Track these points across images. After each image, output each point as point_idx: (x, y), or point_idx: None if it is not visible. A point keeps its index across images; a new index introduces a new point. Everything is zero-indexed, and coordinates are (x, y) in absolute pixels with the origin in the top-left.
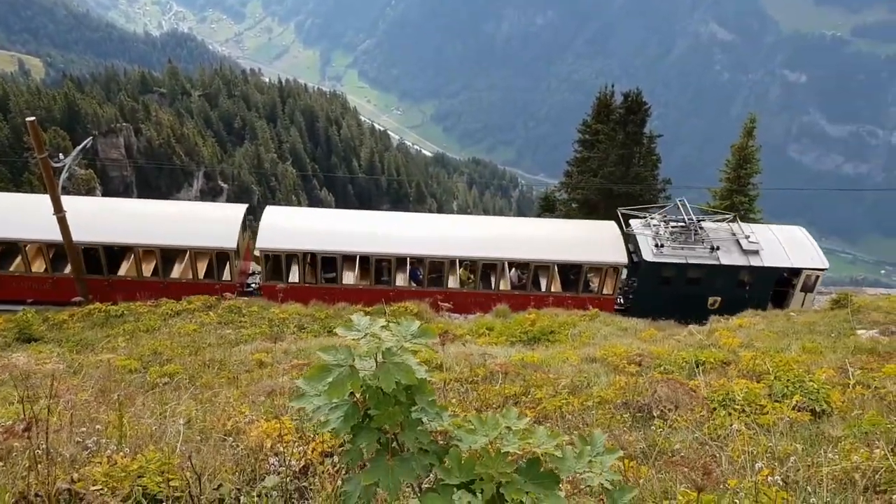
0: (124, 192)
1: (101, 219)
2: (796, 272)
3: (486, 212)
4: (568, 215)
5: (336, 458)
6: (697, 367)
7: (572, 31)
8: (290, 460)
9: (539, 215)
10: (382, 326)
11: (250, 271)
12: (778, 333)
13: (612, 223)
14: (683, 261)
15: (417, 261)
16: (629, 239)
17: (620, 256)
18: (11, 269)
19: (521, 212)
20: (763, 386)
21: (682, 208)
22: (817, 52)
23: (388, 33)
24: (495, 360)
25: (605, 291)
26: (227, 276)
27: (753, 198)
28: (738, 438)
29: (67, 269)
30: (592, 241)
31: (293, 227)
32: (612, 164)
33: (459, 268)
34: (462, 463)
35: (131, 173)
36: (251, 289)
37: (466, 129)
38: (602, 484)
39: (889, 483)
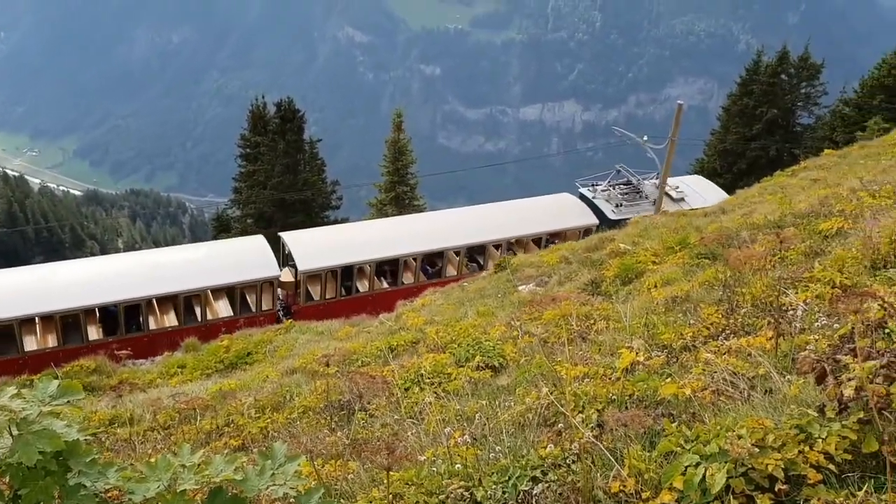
0: None
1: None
2: None
3: (156, 244)
4: (245, 231)
5: None
6: (391, 352)
7: (212, 46)
8: None
9: (215, 236)
10: (12, 395)
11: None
12: (455, 304)
13: (567, 194)
14: (637, 215)
15: (437, 255)
16: (589, 205)
17: (592, 219)
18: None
19: (196, 237)
20: (448, 355)
21: (624, 172)
22: (445, 45)
23: (4, 70)
24: (187, 397)
25: None
26: (266, 304)
27: (413, 186)
28: (431, 410)
29: None
30: (565, 210)
31: (323, 245)
32: (279, 174)
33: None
34: None
35: None
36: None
37: (117, 160)
38: (287, 493)
39: (556, 415)
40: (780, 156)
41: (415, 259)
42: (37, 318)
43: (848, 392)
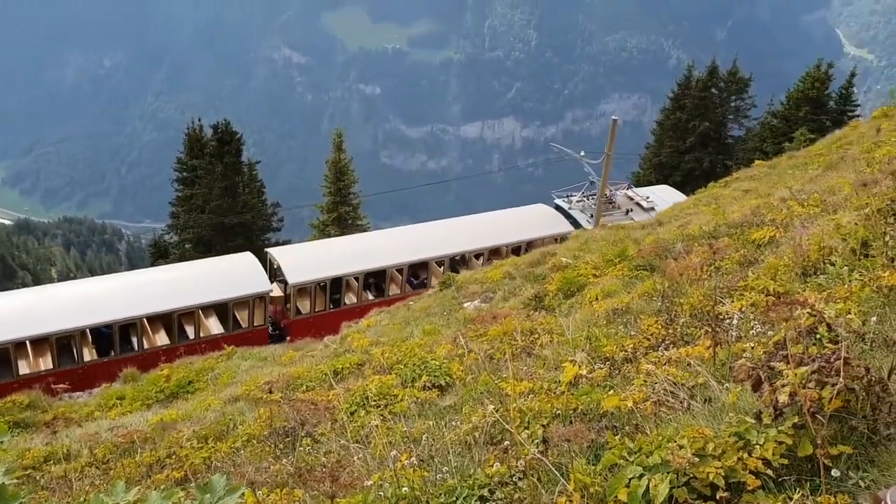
0: None
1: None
2: None
3: (91, 272)
4: (183, 257)
5: None
6: (336, 375)
7: (146, 70)
8: None
9: (153, 263)
10: None
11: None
12: (401, 324)
13: (543, 205)
14: (610, 223)
15: (420, 266)
16: (565, 215)
17: (568, 227)
18: None
19: (133, 264)
20: (394, 376)
21: (595, 184)
22: (384, 64)
23: None
24: (127, 430)
25: None
26: (258, 320)
27: (356, 206)
28: (377, 433)
29: None
30: (541, 220)
31: (311, 259)
32: (218, 197)
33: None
34: None
35: None
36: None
37: (49, 187)
38: None
39: (502, 432)
40: (713, 167)
41: (399, 271)
42: (27, 342)
43: (782, 398)
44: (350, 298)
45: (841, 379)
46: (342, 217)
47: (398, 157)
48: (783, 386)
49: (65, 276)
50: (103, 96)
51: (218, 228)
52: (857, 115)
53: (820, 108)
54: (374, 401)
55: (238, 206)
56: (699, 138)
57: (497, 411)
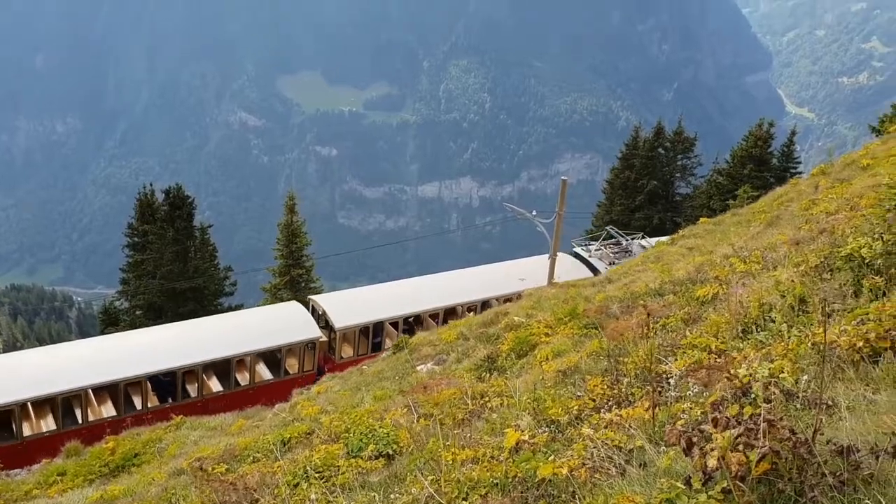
0: None
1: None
2: None
3: (40, 342)
4: (133, 323)
5: None
6: (284, 445)
7: (100, 135)
8: None
9: (103, 331)
10: None
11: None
12: (353, 389)
13: (562, 253)
14: None
15: (450, 312)
16: (584, 262)
17: (588, 274)
18: None
19: (84, 332)
20: (341, 445)
21: (613, 233)
22: (340, 126)
23: None
24: None
25: None
26: (307, 366)
27: (310, 268)
28: None
29: None
30: (565, 267)
31: (353, 305)
32: (169, 262)
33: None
34: None
35: None
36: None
37: None
38: None
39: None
40: (662, 224)
41: (433, 316)
42: (90, 391)
43: (711, 462)
44: (388, 344)
45: (766, 442)
46: (295, 280)
47: (356, 218)
48: (712, 450)
49: (11, 346)
50: (55, 162)
51: (169, 294)
52: (800, 172)
53: (763, 165)
54: (318, 472)
55: (189, 271)
56: (648, 196)
57: (436, 482)
